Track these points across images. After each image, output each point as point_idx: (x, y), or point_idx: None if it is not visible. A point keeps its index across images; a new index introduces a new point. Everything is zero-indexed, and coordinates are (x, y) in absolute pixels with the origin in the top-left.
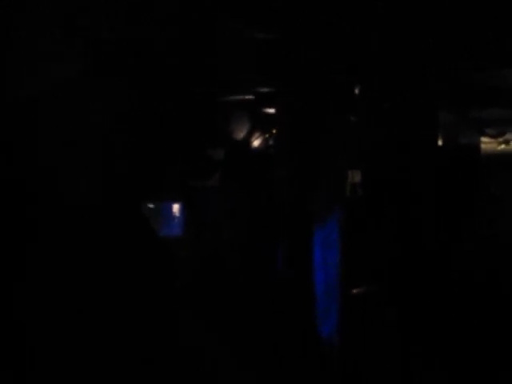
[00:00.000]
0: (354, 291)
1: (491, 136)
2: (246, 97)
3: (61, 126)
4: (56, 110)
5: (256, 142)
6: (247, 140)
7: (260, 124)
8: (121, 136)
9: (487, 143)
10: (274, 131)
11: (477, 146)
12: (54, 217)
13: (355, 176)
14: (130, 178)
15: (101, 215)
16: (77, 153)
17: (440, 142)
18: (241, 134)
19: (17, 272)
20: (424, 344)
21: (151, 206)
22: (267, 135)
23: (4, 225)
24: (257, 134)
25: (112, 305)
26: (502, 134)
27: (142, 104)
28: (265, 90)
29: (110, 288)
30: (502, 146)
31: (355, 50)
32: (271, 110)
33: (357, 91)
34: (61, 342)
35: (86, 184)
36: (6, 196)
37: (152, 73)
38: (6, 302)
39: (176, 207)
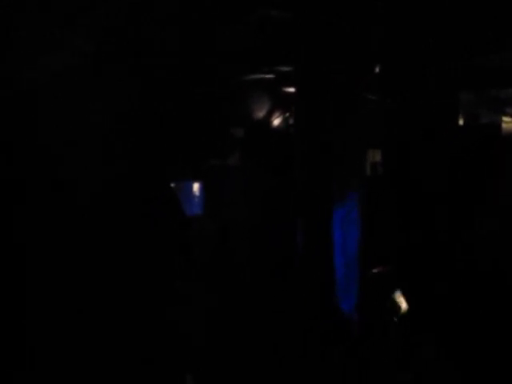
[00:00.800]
0: (374, 271)
1: None
2: (267, 76)
3: (71, 115)
4: (58, 106)
5: (276, 121)
6: (267, 119)
7: (280, 103)
8: (135, 124)
9: (508, 123)
10: (294, 110)
11: (498, 125)
12: (57, 211)
13: (376, 155)
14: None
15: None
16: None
17: (461, 121)
18: (261, 113)
19: (20, 269)
20: (436, 331)
21: (172, 185)
22: (287, 114)
23: (8, 222)
24: (277, 113)
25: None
26: None
27: (159, 88)
28: (285, 69)
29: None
30: None
31: (374, 29)
32: (291, 89)
33: (377, 70)
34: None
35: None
36: (7, 194)
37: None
38: (13, 297)
39: (196, 186)
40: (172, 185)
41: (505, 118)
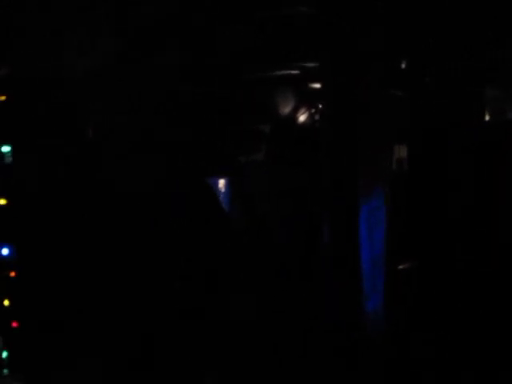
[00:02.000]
0: (401, 267)
1: None
2: (292, 72)
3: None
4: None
5: (302, 117)
6: (293, 115)
7: (306, 99)
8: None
9: None
10: (320, 106)
11: None
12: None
13: (401, 151)
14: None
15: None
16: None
17: (487, 117)
18: (286, 110)
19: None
20: (467, 321)
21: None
22: (313, 110)
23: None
24: (303, 109)
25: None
26: None
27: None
28: (310, 64)
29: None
30: None
31: (400, 25)
32: (317, 85)
33: (403, 66)
34: None
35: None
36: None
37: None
38: None
39: (222, 182)
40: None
41: None
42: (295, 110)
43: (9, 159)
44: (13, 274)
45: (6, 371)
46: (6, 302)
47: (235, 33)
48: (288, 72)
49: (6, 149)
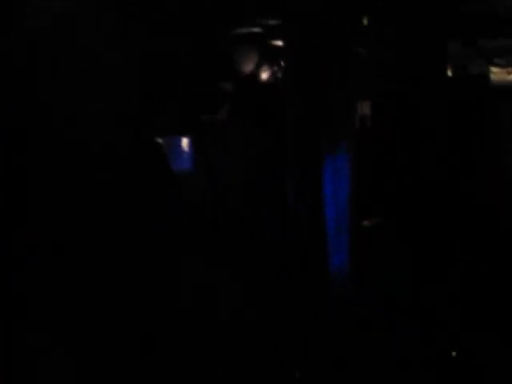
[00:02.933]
0: (365, 223)
1: (501, 66)
2: (253, 29)
3: (66, 64)
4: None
5: (264, 75)
6: (255, 73)
7: (268, 57)
8: (132, 74)
9: (497, 73)
10: (283, 64)
11: (486, 76)
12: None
13: (364, 108)
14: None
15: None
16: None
17: (449, 73)
18: (249, 67)
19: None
20: (435, 277)
21: (160, 140)
22: (276, 68)
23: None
24: (265, 67)
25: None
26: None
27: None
28: (272, 22)
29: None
30: None
31: None
32: (279, 43)
33: (365, 22)
34: None
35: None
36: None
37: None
38: None
39: (185, 141)
40: (159, 140)
41: (493, 69)
42: (258, 68)
43: None
44: None
45: None
46: None
47: None
48: (249, 29)
49: None
